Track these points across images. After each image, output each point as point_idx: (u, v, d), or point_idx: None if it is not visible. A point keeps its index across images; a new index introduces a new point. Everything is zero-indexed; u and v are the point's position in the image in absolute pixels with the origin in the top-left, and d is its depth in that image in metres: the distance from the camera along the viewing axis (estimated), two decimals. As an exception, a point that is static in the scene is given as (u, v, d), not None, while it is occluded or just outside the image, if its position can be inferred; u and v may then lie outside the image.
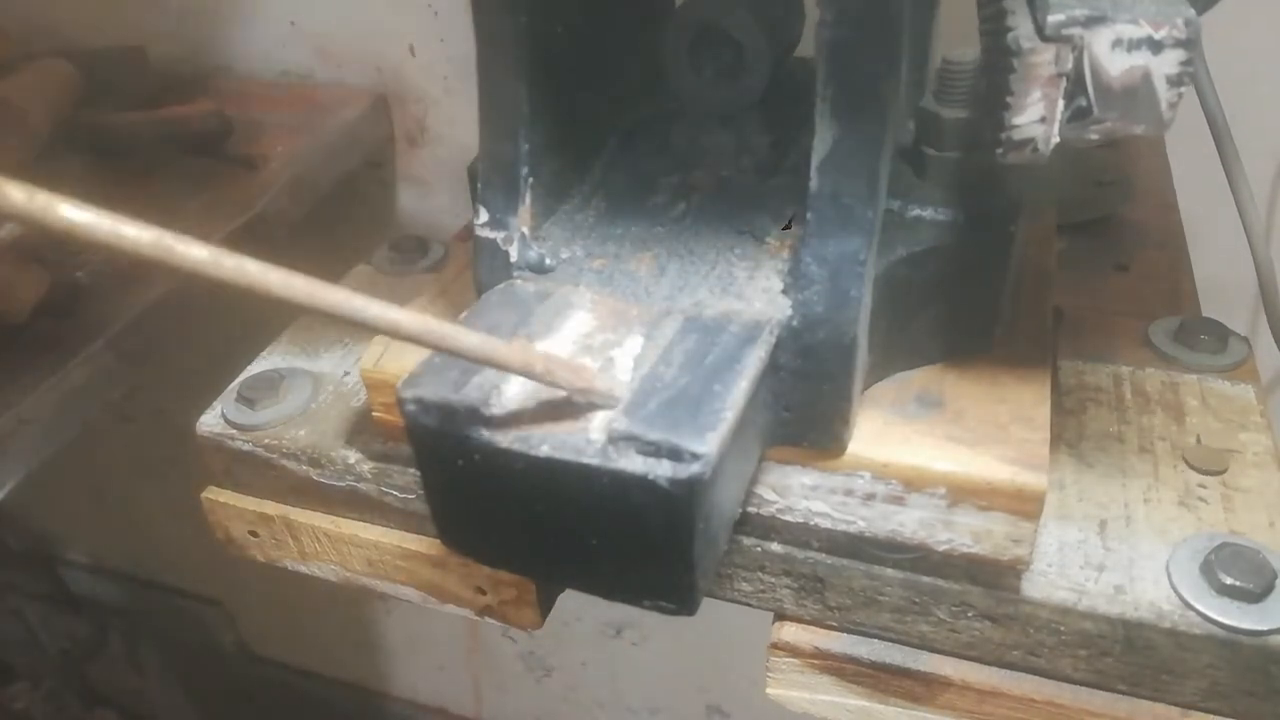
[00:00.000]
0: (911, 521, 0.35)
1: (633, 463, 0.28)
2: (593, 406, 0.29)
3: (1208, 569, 0.35)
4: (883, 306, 0.35)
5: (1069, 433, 0.42)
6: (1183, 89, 0.28)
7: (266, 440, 0.45)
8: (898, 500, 0.35)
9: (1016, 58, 0.29)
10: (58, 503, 1.49)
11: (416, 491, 0.42)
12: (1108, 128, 0.29)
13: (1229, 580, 0.34)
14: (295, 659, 1.60)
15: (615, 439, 0.28)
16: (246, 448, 0.45)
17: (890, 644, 0.38)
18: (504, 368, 0.27)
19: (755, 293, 0.35)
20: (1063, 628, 0.35)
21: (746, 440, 0.32)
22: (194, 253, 0.20)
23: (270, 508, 0.46)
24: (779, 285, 0.35)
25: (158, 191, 0.76)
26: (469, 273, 0.39)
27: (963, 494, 0.34)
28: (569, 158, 0.40)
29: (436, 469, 0.32)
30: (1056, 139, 0.30)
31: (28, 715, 1.55)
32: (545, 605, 0.44)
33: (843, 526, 0.36)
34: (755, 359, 0.31)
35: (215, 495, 0.47)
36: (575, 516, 0.29)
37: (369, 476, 0.43)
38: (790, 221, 0.37)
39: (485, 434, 0.29)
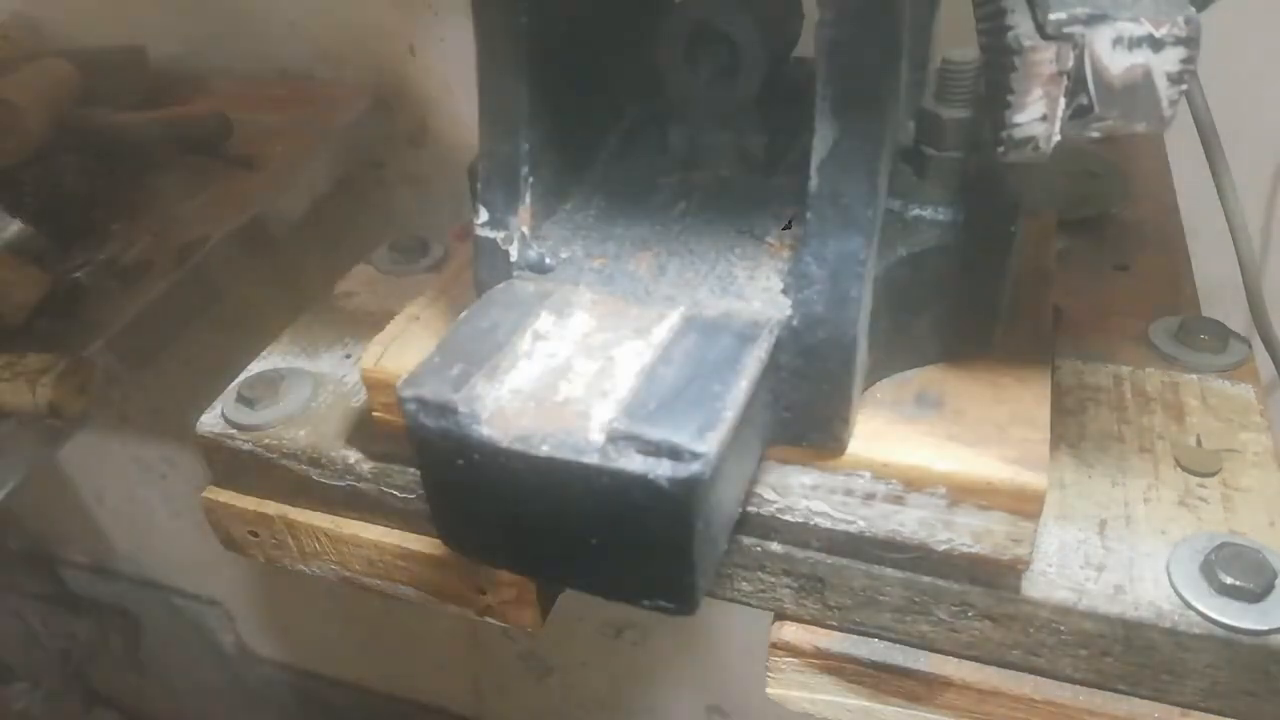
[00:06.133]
0: (911, 521, 0.35)
1: (633, 462, 0.28)
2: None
3: (1208, 569, 0.35)
4: (883, 306, 0.35)
5: (1069, 433, 0.42)
6: (1184, 87, 0.28)
7: (266, 440, 0.45)
8: (898, 500, 0.35)
9: (1017, 56, 0.29)
10: (58, 503, 1.49)
11: (416, 491, 0.42)
12: (1109, 126, 0.29)
13: (1229, 580, 0.34)
14: (295, 659, 1.60)
15: (615, 439, 0.28)
16: (246, 448, 0.45)
17: (890, 644, 0.38)
18: None
19: (755, 293, 0.35)
20: (1063, 627, 0.35)
21: (746, 440, 0.32)
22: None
23: (270, 508, 0.46)
24: (779, 285, 0.35)
25: (158, 191, 0.76)
26: (469, 272, 0.39)
27: (963, 494, 0.34)
28: (569, 158, 0.40)
29: (437, 469, 0.32)
30: (1058, 137, 0.30)
31: (28, 715, 1.55)
32: (545, 605, 0.44)
33: (843, 526, 0.36)
34: (755, 359, 0.31)
35: (215, 495, 0.47)
36: (575, 516, 0.29)
37: (369, 476, 0.43)
38: (790, 221, 0.37)
39: (485, 433, 0.29)
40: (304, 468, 0.44)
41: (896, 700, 0.39)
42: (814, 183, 0.33)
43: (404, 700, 1.56)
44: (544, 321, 0.34)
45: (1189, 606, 0.34)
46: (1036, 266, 0.43)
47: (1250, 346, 0.46)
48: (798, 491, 0.36)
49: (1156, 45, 0.28)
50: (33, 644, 1.61)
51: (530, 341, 0.33)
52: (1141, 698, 0.36)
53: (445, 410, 0.30)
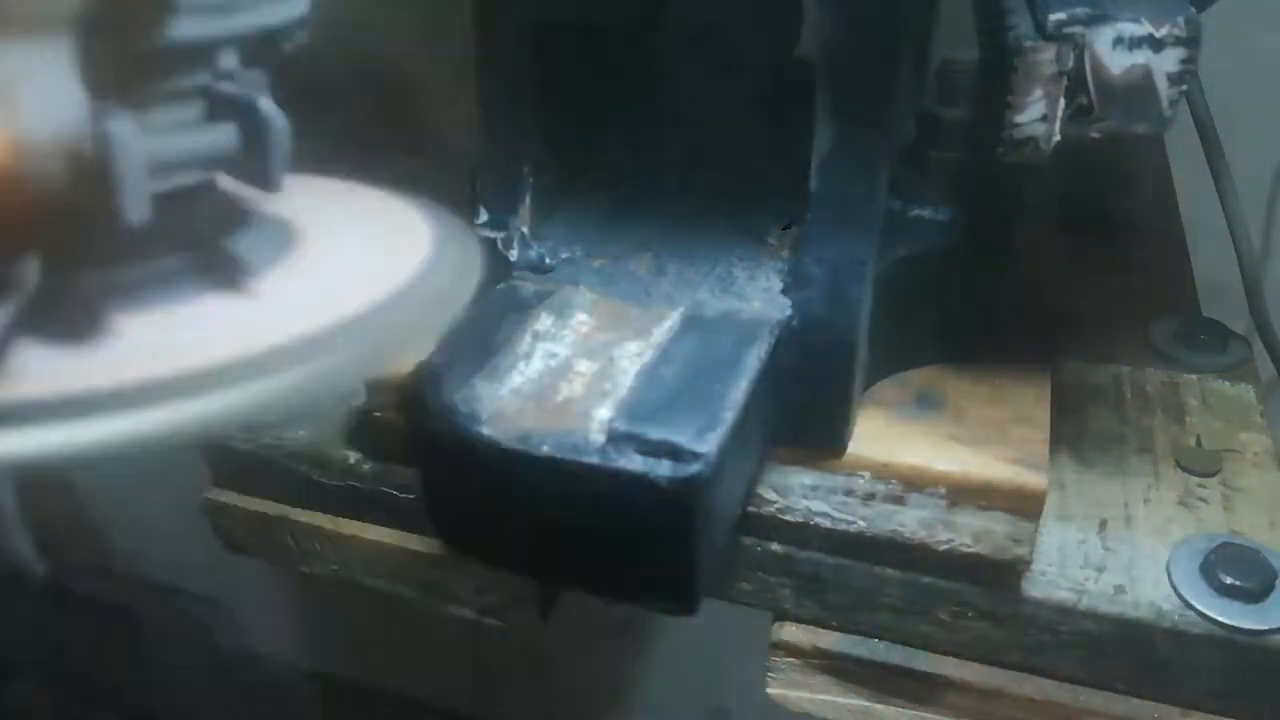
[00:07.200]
0: (911, 521, 0.35)
1: (633, 462, 0.28)
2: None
3: (1208, 569, 0.35)
4: (883, 306, 0.35)
5: (1069, 433, 0.42)
6: (1184, 87, 0.28)
7: (267, 440, 0.45)
8: (898, 500, 0.35)
9: (1017, 56, 0.29)
10: (58, 503, 1.50)
11: (417, 491, 0.42)
12: (1109, 126, 0.29)
13: (1229, 580, 0.34)
14: (296, 659, 1.60)
15: (615, 438, 0.28)
16: (246, 448, 0.45)
17: (890, 644, 0.38)
18: None
19: (755, 293, 0.35)
20: (1063, 628, 0.35)
21: (747, 440, 0.32)
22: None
23: (270, 508, 0.46)
24: (779, 285, 0.35)
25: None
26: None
27: (963, 494, 0.34)
28: (569, 157, 0.40)
29: (437, 469, 0.32)
30: (1058, 137, 0.30)
31: (28, 715, 1.55)
32: (545, 605, 0.44)
33: (843, 526, 0.36)
34: (755, 359, 0.31)
35: (216, 496, 0.47)
36: (575, 516, 0.29)
37: (369, 476, 0.43)
38: (790, 221, 0.37)
39: (486, 434, 0.29)
40: (304, 468, 0.44)
41: (896, 700, 0.39)
42: (814, 183, 0.33)
43: (404, 700, 1.56)
44: (544, 322, 0.34)
45: (1189, 606, 0.34)
46: (1036, 266, 0.43)
47: (1250, 346, 0.46)
48: (798, 491, 0.36)
49: (1156, 45, 0.28)
50: (33, 644, 1.62)
51: (530, 342, 0.33)
52: (1141, 698, 0.36)
53: (446, 411, 0.30)
